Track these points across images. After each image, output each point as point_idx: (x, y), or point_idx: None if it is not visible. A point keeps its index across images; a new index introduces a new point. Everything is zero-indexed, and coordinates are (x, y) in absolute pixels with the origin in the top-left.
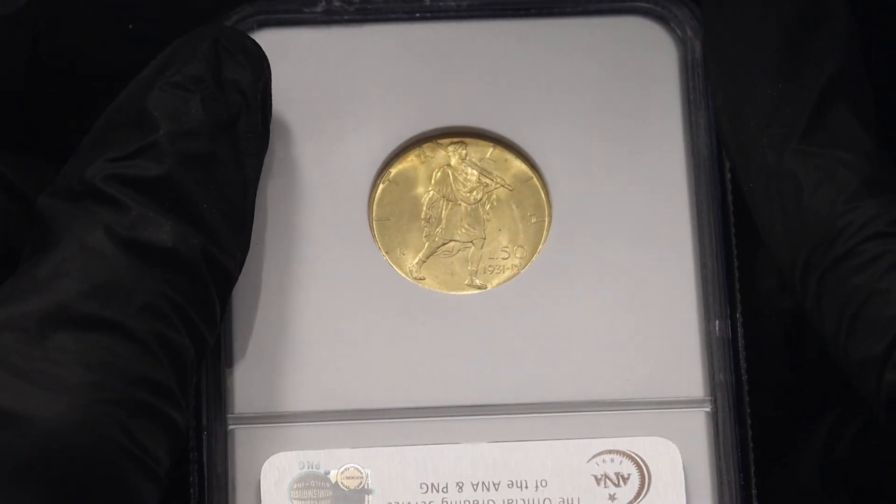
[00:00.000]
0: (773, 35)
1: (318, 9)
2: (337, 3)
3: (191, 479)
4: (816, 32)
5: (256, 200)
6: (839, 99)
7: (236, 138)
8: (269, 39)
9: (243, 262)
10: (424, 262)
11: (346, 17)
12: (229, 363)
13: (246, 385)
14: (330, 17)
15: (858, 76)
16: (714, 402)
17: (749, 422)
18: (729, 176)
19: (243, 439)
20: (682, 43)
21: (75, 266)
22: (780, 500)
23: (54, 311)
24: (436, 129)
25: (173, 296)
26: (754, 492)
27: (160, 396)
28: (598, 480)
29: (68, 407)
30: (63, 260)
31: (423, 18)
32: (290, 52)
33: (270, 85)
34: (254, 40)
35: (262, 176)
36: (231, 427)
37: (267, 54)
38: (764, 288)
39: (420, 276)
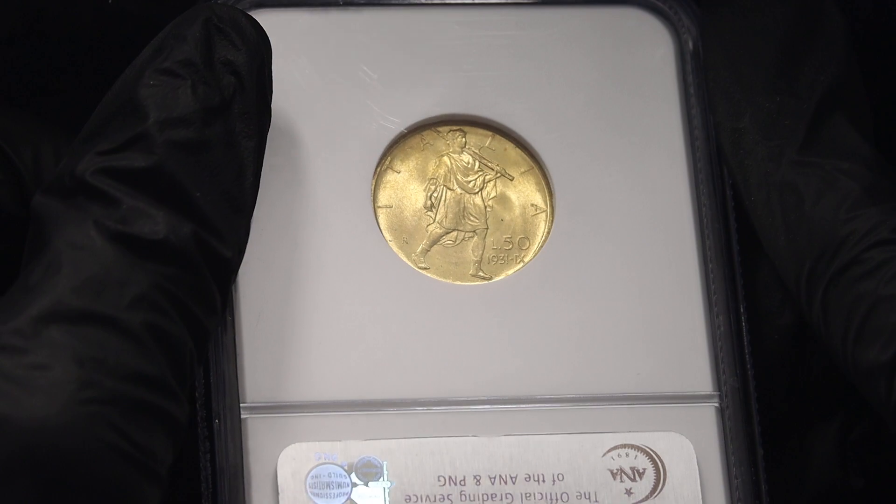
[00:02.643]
0: (770, 49)
1: None
2: None
3: (202, 469)
4: (812, 44)
5: (259, 193)
6: (836, 109)
7: (231, 121)
8: (264, 22)
9: (244, 246)
10: (428, 251)
11: (343, 1)
12: (239, 353)
13: (256, 374)
14: (328, 1)
15: (855, 85)
16: (722, 397)
17: (757, 417)
18: None
19: (256, 429)
20: (678, 33)
21: (65, 263)
22: (790, 494)
23: (47, 309)
24: (435, 117)
25: (168, 286)
26: (764, 488)
27: (155, 391)
28: (613, 475)
29: (55, 408)
30: (53, 259)
31: (423, 5)
32: (286, 35)
33: (270, 62)
34: (251, 17)
35: (262, 167)
36: (244, 416)
37: None
38: (764, 306)
39: (424, 265)
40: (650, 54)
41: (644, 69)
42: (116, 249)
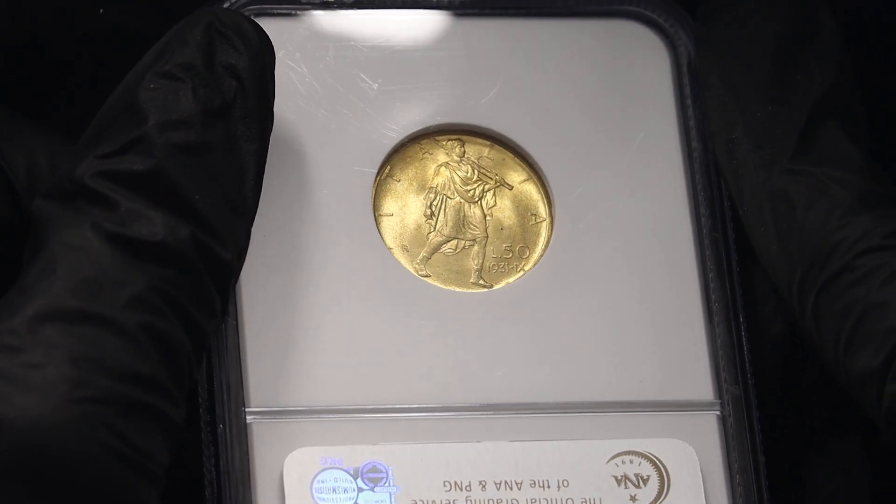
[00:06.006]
0: (764, 58)
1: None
2: None
3: (206, 474)
4: (805, 53)
5: (261, 199)
6: (829, 117)
7: (232, 124)
8: (266, 28)
9: (245, 249)
10: (429, 259)
11: (341, 5)
12: (243, 357)
13: (260, 379)
14: (326, 8)
15: (848, 92)
16: (724, 405)
17: (758, 426)
18: None
19: (261, 434)
20: (674, 46)
21: (61, 264)
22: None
23: (42, 309)
24: (434, 126)
25: (165, 288)
26: (766, 496)
27: (151, 391)
28: (618, 481)
29: (48, 407)
30: (48, 260)
31: (423, 11)
32: (286, 42)
33: (273, 66)
34: (253, 21)
35: (264, 173)
36: (249, 421)
37: None
38: (759, 315)
39: (425, 273)
40: (646, 66)
41: (641, 80)
42: (113, 251)
